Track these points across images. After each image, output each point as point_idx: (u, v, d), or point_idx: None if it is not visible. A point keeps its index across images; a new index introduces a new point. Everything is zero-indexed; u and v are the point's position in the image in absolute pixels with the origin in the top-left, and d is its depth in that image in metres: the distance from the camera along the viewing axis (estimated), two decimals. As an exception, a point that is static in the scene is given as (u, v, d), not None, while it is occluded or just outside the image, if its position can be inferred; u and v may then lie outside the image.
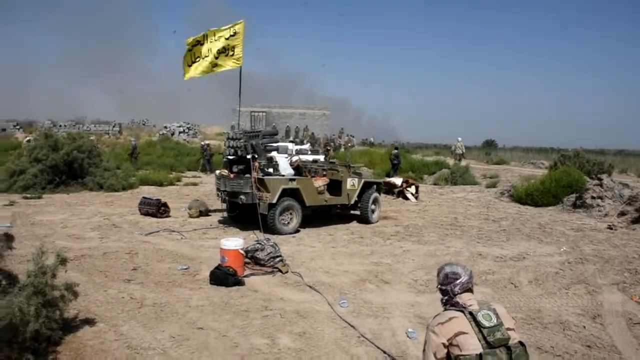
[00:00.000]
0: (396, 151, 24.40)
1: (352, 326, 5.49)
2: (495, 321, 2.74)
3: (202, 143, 27.66)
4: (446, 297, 2.99)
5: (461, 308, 2.86)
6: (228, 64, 10.93)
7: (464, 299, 2.91)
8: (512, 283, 7.29)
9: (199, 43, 10.85)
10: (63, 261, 4.71)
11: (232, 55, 10.78)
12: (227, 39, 10.78)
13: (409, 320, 5.78)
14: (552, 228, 11.89)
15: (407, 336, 5.26)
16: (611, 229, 11.80)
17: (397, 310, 6.09)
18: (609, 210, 13.52)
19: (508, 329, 2.78)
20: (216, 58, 10.91)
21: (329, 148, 32.86)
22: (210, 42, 10.82)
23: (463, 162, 28.71)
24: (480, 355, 2.63)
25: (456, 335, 2.71)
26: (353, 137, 43.92)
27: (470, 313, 2.79)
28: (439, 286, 3.03)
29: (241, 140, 10.69)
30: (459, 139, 31.40)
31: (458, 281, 2.94)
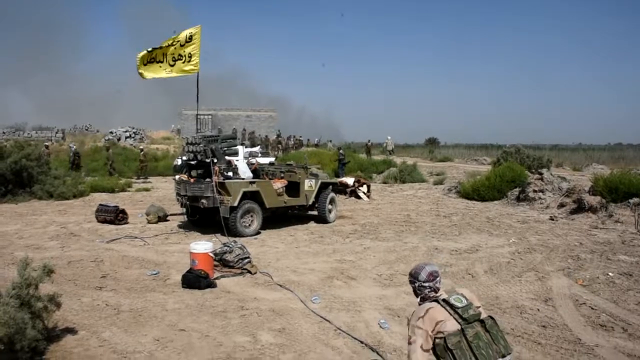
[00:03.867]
0: (341, 151, 25.67)
1: (327, 320, 5.79)
2: (465, 302, 3.21)
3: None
4: (427, 290, 3.36)
5: (434, 299, 3.27)
6: (184, 70, 11.02)
7: (437, 291, 3.33)
8: (469, 274, 7.81)
9: (159, 47, 10.89)
10: (49, 272, 4.78)
11: (189, 61, 10.88)
12: (182, 45, 10.87)
13: (380, 312, 6.14)
14: (499, 221, 12.61)
15: (380, 327, 5.62)
16: (553, 219, 12.63)
17: (367, 304, 6.44)
18: (550, 202, 14.43)
19: (477, 307, 3.23)
20: (171, 65, 10.98)
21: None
22: (167, 46, 10.88)
23: (392, 157, 33.00)
24: (462, 329, 3.03)
25: (437, 324, 3.10)
26: (301, 137, 44.34)
27: (444, 300, 3.21)
28: (422, 284, 3.37)
29: (200, 145, 10.82)
30: (389, 137, 37.15)
31: (438, 277, 3.37)
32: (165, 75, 11.24)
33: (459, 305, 3.16)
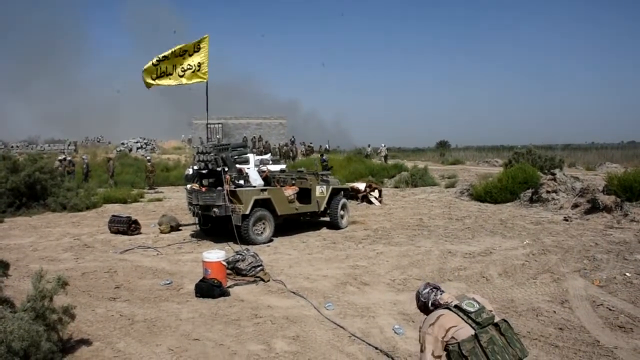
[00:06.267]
0: (324, 157, 26.67)
1: (341, 327, 5.76)
2: (478, 306, 3.19)
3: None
4: (432, 295, 3.44)
5: (445, 306, 3.25)
6: (194, 80, 11.08)
7: (445, 298, 3.36)
8: (483, 277, 7.74)
9: (165, 58, 10.94)
10: (64, 284, 4.80)
11: (198, 70, 10.94)
12: (191, 55, 10.93)
13: (394, 317, 6.10)
14: (513, 223, 12.50)
15: (395, 332, 5.58)
16: (567, 220, 12.49)
17: (381, 309, 6.40)
18: (564, 202, 14.28)
19: (490, 310, 3.20)
20: (181, 76, 11.04)
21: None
22: (176, 57, 10.94)
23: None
24: (475, 334, 2.99)
25: (448, 330, 3.07)
26: (311, 144, 44.39)
27: (455, 306, 3.19)
28: (425, 298, 3.46)
29: (211, 154, 10.85)
30: (383, 144, 39.61)
31: (437, 290, 3.47)
32: (174, 84, 11.29)
33: (471, 309, 3.13)
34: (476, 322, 3.06)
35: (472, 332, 3.00)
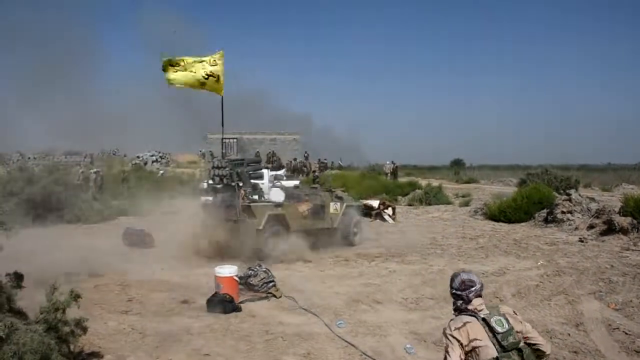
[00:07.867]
0: (316, 173, 27.04)
1: (352, 345, 5.73)
2: (507, 326, 3.02)
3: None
4: (460, 302, 3.19)
5: (473, 313, 3.11)
6: (213, 88, 11.11)
7: (475, 304, 3.14)
8: (497, 297, 7.67)
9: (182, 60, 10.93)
10: (76, 297, 4.83)
11: (218, 82, 10.99)
12: (212, 65, 10.96)
13: (405, 337, 6.06)
14: (527, 243, 12.39)
15: (406, 352, 5.54)
16: (582, 241, 12.35)
17: (393, 328, 6.36)
18: (579, 223, 14.13)
19: (517, 332, 3.07)
20: (205, 79, 10.98)
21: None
22: (195, 65, 10.92)
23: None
24: (497, 358, 2.91)
25: (472, 341, 2.98)
26: (325, 160, 44.36)
27: (484, 319, 3.05)
28: (454, 291, 3.22)
29: (226, 169, 10.93)
30: (387, 162, 39.46)
31: (473, 288, 3.17)
32: (197, 87, 11.16)
33: (500, 330, 3.00)
34: (501, 344, 2.96)
35: (495, 354, 2.93)
